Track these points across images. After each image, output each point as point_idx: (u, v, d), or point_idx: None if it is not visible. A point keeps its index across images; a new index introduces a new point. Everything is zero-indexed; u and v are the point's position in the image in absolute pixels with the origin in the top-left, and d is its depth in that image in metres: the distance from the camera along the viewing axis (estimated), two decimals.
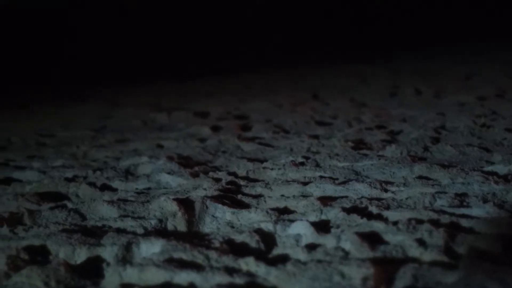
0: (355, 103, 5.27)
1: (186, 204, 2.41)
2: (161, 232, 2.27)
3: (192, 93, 6.72)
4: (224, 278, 1.82)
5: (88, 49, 8.59)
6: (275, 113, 4.81)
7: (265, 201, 2.51)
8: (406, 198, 2.46)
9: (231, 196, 2.56)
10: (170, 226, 2.34)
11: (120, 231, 2.25)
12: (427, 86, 6.09)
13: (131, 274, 1.86)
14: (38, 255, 2.06)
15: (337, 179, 2.78)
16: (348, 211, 2.28)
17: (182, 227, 2.33)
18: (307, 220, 2.18)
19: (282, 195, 2.61)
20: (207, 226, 2.36)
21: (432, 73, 7.44)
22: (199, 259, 1.94)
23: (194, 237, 2.17)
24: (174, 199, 2.41)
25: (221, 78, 8.22)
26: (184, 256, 1.94)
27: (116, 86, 7.56)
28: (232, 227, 2.32)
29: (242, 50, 9.81)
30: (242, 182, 2.80)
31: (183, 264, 1.89)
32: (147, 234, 2.21)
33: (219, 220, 2.38)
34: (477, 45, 10.24)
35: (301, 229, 2.15)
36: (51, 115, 5.43)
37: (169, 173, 2.91)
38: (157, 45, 9.66)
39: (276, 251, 2.04)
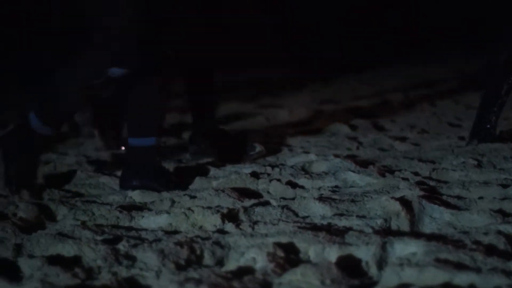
0: (461, 104, 5.25)
1: (404, 204, 2.43)
2: (386, 231, 2.29)
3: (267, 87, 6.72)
4: (502, 280, 1.83)
5: None
6: (390, 112, 4.81)
7: (475, 202, 2.52)
8: None
9: (436, 197, 2.58)
10: (393, 226, 2.36)
11: (348, 229, 2.27)
12: None
13: (410, 274, 1.87)
14: (290, 253, 2.08)
15: None
16: None
17: (405, 227, 2.35)
18: None
19: (481, 197, 2.62)
20: (427, 227, 2.37)
21: None
22: (466, 260, 1.95)
23: (436, 238, 2.18)
24: (396, 199, 2.42)
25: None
26: (450, 257, 1.96)
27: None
28: (454, 228, 2.33)
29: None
30: (431, 183, 2.81)
31: (456, 265, 1.90)
32: (377, 233, 2.23)
33: (437, 220, 2.40)
34: None
35: None
36: None
37: (353, 171, 2.93)
38: None
39: None
